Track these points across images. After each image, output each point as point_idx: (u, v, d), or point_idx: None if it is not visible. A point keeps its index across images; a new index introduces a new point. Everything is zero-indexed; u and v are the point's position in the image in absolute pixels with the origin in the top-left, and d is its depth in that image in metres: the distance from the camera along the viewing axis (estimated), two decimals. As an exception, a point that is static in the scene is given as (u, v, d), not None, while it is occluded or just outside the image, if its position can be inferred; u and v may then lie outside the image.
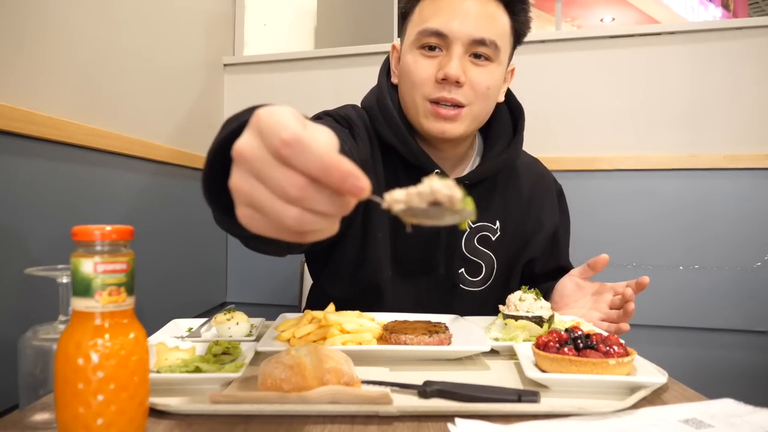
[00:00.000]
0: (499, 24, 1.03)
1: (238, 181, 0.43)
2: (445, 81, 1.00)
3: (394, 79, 1.13)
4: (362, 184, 0.40)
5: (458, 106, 1.01)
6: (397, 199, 0.44)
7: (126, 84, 1.38)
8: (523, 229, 1.16)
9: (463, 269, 1.12)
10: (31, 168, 1.05)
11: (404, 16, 1.10)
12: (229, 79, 1.99)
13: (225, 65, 1.98)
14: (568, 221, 1.27)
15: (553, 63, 1.77)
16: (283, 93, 1.97)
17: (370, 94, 1.16)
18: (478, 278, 1.13)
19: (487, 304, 1.10)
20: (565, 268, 1.19)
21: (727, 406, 0.60)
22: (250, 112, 0.57)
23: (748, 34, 1.63)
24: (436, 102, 1.02)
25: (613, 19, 6.59)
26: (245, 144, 0.42)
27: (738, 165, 1.63)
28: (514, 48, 1.11)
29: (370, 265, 1.08)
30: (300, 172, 0.40)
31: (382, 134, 1.09)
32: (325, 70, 1.94)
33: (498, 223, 1.14)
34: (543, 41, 1.78)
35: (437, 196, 0.42)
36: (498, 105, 1.14)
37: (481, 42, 1.00)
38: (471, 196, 0.49)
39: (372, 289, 1.08)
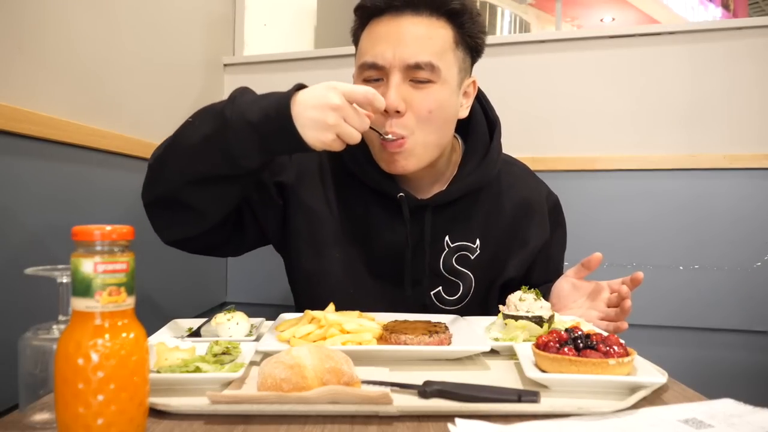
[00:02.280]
0: (436, 43, 0.98)
1: (333, 120, 0.83)
2: (386, 113, 0.96)
3: None
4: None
5: (401, 138, 0.98)
6: None
7: (126, 84, 1.38)
8: (504, 248, 1.13)
9: (440, 288, 1.10)
10: (31, 168, 1.05)
11: (356, 46, 1.08)
12: (229, 79, 1.99)
13: (225, 65, 1.98)
14: (563, 234, 1.24)
15: (553, 63, 1.77)
16: (283, 93, 1.96)
17: None
18: (455, 297, 1.11)
19: None
20: None
21: (727, 406, 0.60)
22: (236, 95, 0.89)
23: (748, 34, 1.63)
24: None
25: (613, 19, 6.58)
26: (338, 101, 0.83)
27: (738, 165, 1.63)
28: (473, 60, 1.08)
29: (323, 283, 1.09)
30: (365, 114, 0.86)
31: (348, 167, 1.10)
32: (325, 70, 1.94)
33: (478, 242, 1.10)
34: (543, 41, 1.77)
35: None
36: (475, 120, 1.12)
37: (416, 66, 0.97)
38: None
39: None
